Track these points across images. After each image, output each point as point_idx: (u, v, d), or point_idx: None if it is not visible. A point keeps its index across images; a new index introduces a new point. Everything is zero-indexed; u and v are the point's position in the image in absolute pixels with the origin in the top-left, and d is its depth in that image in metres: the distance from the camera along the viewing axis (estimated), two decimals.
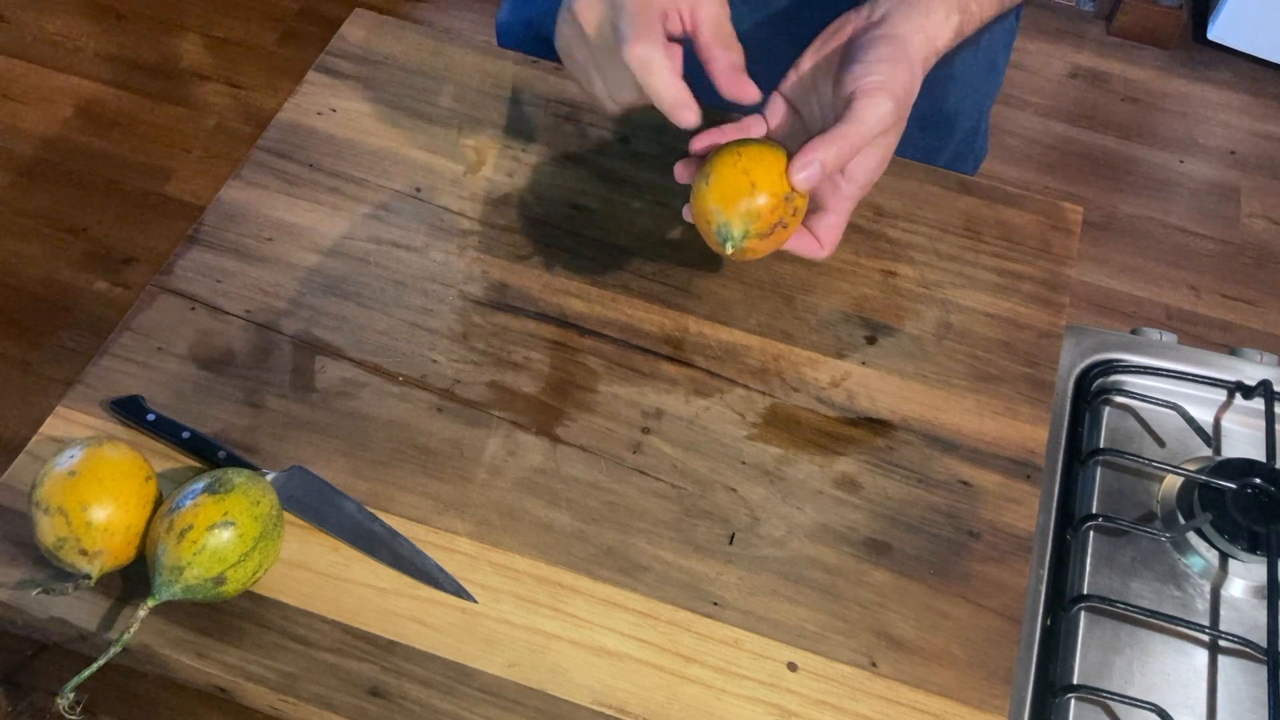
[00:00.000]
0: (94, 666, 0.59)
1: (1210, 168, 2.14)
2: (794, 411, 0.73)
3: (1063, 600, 0.71)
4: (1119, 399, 0.80)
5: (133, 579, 0.64)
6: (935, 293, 0.79)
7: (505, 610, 0.64)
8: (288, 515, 0.66)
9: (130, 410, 0.70)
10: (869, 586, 0.67)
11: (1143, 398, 0.79)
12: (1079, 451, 0.78)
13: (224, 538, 0.60)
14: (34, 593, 0.61)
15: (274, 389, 0.72)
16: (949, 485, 0.70)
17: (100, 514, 0.60)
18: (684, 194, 0.68)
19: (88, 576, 0.60)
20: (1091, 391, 0.80)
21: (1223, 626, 0.71)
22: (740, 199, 0.64)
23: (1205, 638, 0.70)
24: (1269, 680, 0.66)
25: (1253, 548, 0.71)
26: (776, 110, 0.69)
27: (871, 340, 0.77)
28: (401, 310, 0.76)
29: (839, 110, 0.63)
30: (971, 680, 0.63)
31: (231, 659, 0.62)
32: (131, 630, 0.59)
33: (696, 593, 0.66)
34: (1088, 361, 0.81)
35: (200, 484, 0.62)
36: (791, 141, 0.65)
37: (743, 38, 0.67)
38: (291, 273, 0.78)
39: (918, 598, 0.66)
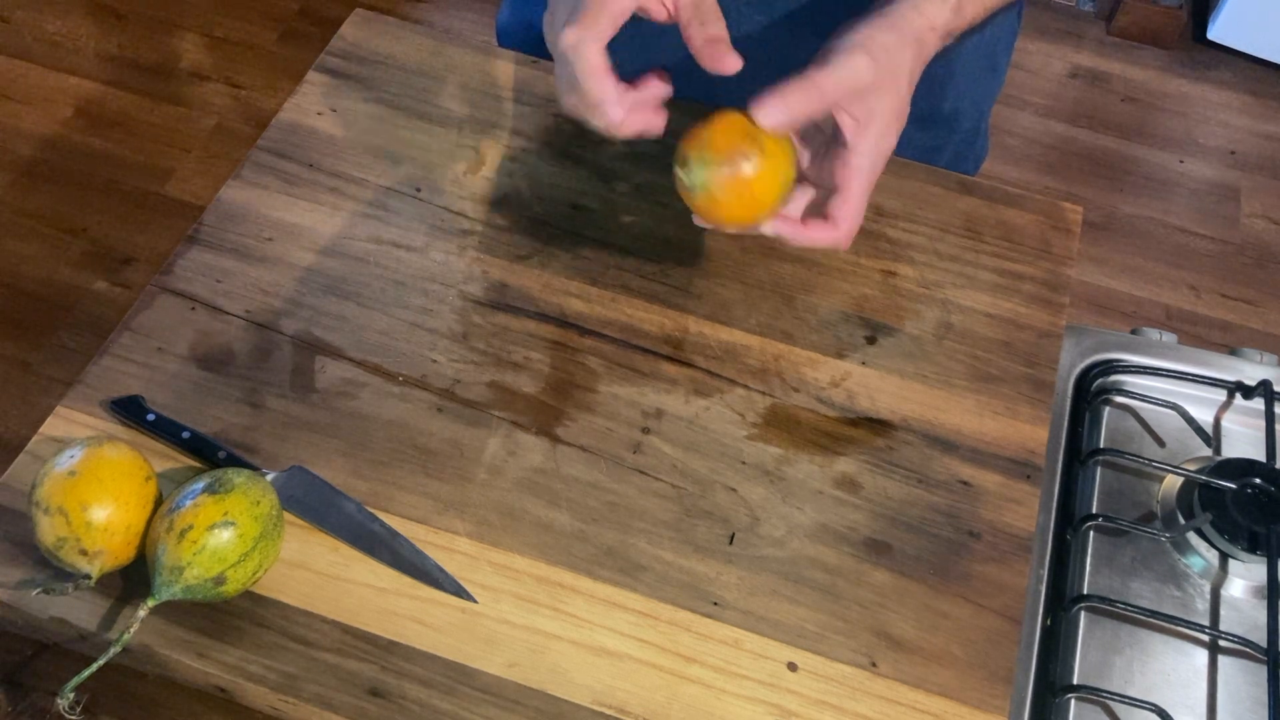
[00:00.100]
0: (94, 666, 0.59)
1: (1210, 168, 2.14)
2: (794, 411, 0.73)
3: (1063, 600, 0.71)
4: (1119, 399, 0.80)
5: (133, 579, 0.64)
6: (935, 293, 0.79)
7: (505, 610, 0.64)
8: (288, 515, 0.66)
9: (130, 410, 0.70)
10: (869, 586, 0.67)
11: (1143, 398, 0.79)
12: (1079, 451, 0.78)
13: (224, 538, 0.60)
14: (34, 593, 0.61)
15: (274, 389, 0.72)
16: (949, 485, 0.70)
17: (100, 514, 0.60)
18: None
19: (88, 576, 0.60)
20: (1091, 391, 0.80)
21: (1223, 626, 0.71)
22: (696, 134, 0.64)
23: (1205, 638, 0.70)
24: (1269, 680, 0.66)
25: (1253, 548, 0.71)
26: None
27: (871, 340, 0.77)
28: (401, 310, 0.76)
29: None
30: (971, 680, 0.63)
31: (231, 659, 0.62)
32: (131, 630, 0.59)
33: (696, 593, 0.66)
34: (1088, 361, 0.81)
35: (200, 484, 0.62)
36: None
37: (748, 38, 0.66)
38: (291, 273, 0.78)
39: (918, 598, 0.66)
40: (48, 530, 0.60)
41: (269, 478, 0.66)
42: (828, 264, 0.80)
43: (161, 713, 0.67)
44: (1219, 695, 0.68)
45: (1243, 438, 0.79)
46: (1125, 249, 2.01)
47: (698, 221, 0.68)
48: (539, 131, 0.86)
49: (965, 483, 0.71)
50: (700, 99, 0.72)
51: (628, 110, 0.63)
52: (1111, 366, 0.80)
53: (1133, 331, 0.84)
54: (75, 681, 0.58)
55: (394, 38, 0.91)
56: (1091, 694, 0.67)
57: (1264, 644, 0.68)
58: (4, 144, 2.03)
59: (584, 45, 0.62)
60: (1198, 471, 0.74)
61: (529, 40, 0.97)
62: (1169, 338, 0.83)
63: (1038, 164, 2.12)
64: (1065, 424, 0.79)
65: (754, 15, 0.86)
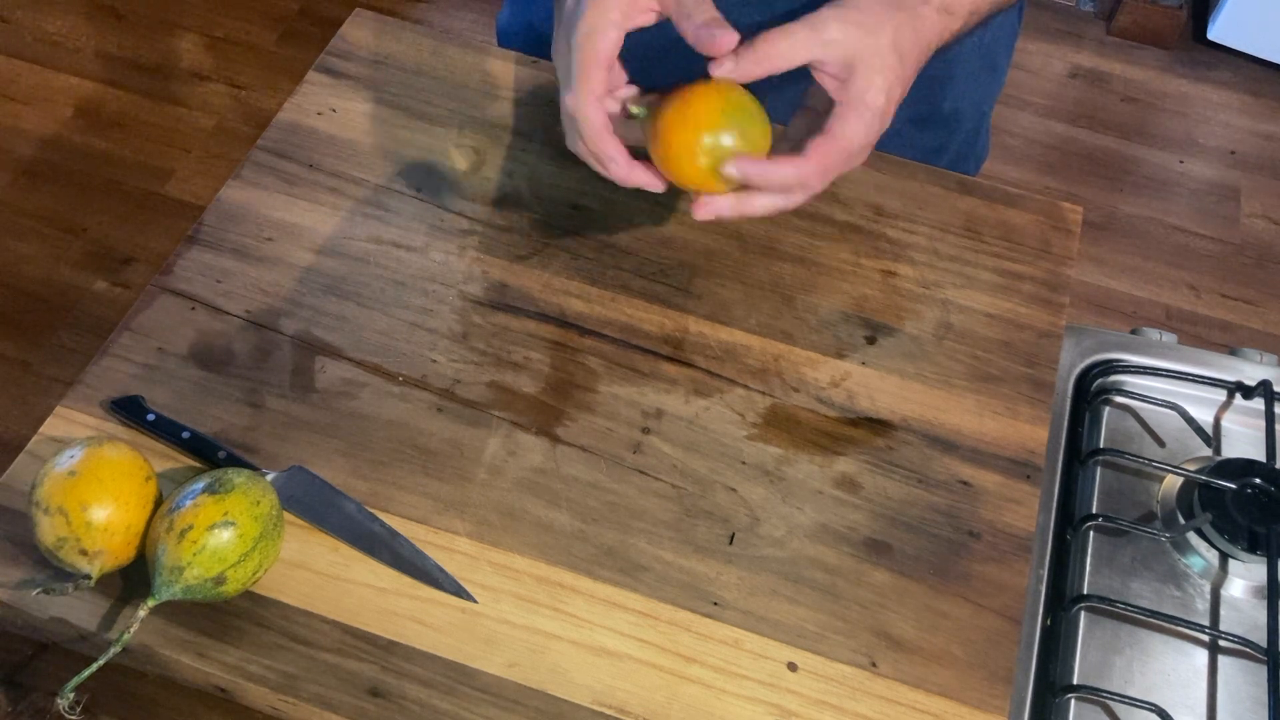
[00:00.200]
0: (94, 666, 0.59)
1: (1210, 168, 2.14)
2: (794, 411, 0.73)
3: (1063, 600, 0.71)
4: (1119, 399, 0.80)
5: (133, 579, 0.64)
6: (935, 293, 0.79)
7: (505, 610, 0.64)
8: (288, 515, 0.66)
9: (130, 410, 0.70)
10: (869, 586, 0.67)
11: (1143, 398, 0.79)
12: (1079, 451, 0.78)
13: (224, 538, 0.60)
14: (34, 593, 0.61)
15: (274, 389, 0.72)
16: (949, 485, 0.70)
17: (100, 514, 0.60)
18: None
19: (88, 576, 0.60)
20: (1091, 391, 0.80)
21: (1223, 626, 0.71)
22: (667, 99, 0.66)
23: (1205, 638, 0.70)
24: (1269, 680, 0.66)
25: (1253, 548, 0.71)
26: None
27: (871, 340, 0.77)
28: (401, 310, 0.76)
29: None
30: (971, 680, 0.63)
31: (231, 659, 0.62)
32: (131, 630, 0.59)
33: (696, 593, 0.66)
34: (1088, 361, 0.81)
35: (200, 484, 0.62)
36: None
37: (745, 33, 0.66)
38: (291, 273, 0.78)
39: (918, 598, 0.66)
40: (48, 530, 0.60)
41: (269, 478, 0.66)
42: (828, 264, 0.80)
43: (161, 713, 0.67)
44: (1219, 695, 0.68)
45: (1243, 438, 0.79)
46: (1125, 249, 2.01)
47: (663, 173, 0.68)
48: (539, 131, 0.86)
49: (965, 483, 0.71)
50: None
51: (629, 168, 0.66)
52: (1111, 366, 0.80)
53: (1133, 331, 0.84)
54: (75, 681, 0.58)
55: (394, 38, 0.91)
56: (1091, 694, 0.67)
57: (1264, 644, 0.68)
58: (4, 144, 2.03)
59: (584, 109, 0.65)
60: (1198, 471, 0.74)
61: (529, 40, 0.97)
62: (1169, 338, 0.83)
63: (1038, 164, 2.12)
64: (1065, 424, 0.79)
65: (752, 15, 0.86)
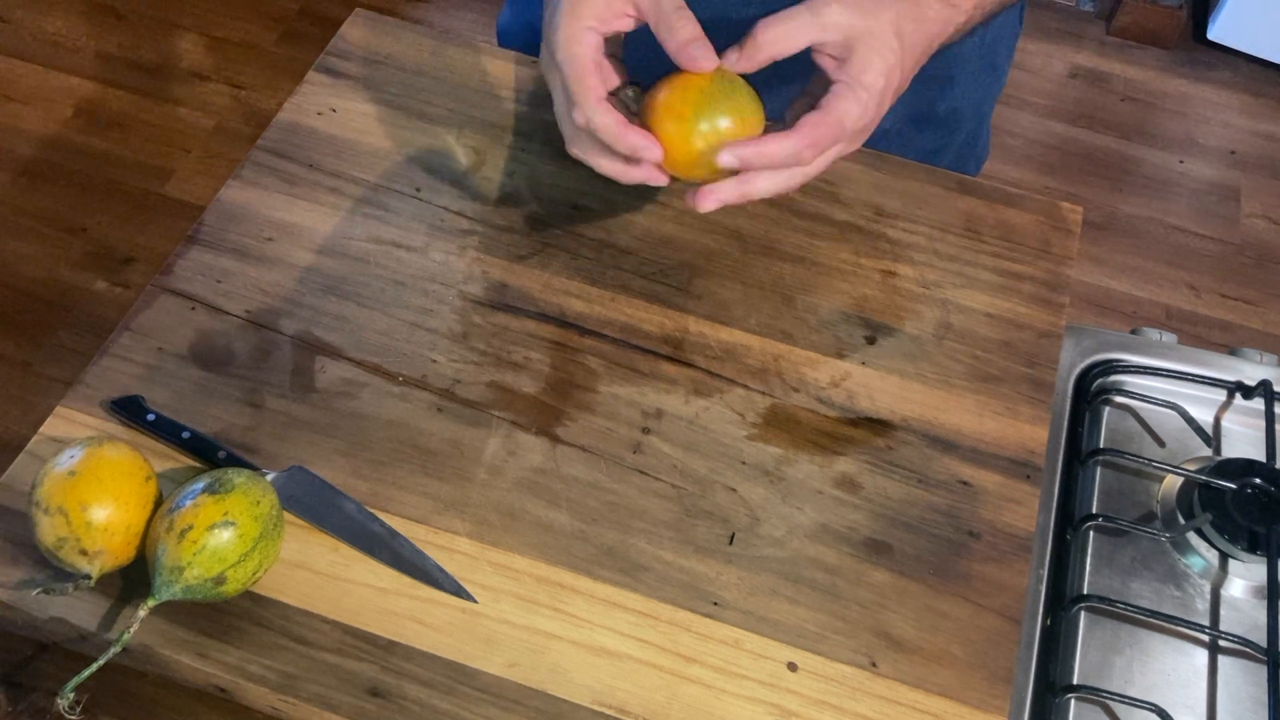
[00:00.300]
0: (94, 666, 0.59)
1: (1210, 168, 2.14)
2: (794, 411, 0.73)
3: (1063, 600, 0.71)
4: (1119, 399, 0.80)
5: (133, 579, 0.64)
6: (935, 293, 0.79)
7: (505, 610, 0.64)
8: (288, 515, 0.66)
9: (130, 410, 0.70)
10: (869, 586, 0.67)
11: (1143, 398, 0.79)
12: (1079, 451, 0.78)
13: (224, 538, 0.60)
14: (34, 593, 0.61)
15: (274, 389, 0.72)
16: (949, 485, 0.70)
17: (100, 514, 0.60)
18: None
19: (88, 576, 0.60)
20: (1091, 391, 0.80)
21: (1223, 626, 0.71)
22: (658, 86, 0.66)
23: (1205, 638, 0.70)
24: (1269, 680, 0.66)
25: (1253, 548, 0.71)
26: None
27: (871, 340, 0.77)
28: (401, 310, 0.76)
29: None
30: (971, 680, 0.63)
31: (231, 659, 0.62)
32: (131, 630, 0.59)
33: (696, 593, 0.66)
34: (1088, 361, 0.81)
35: (200, 484, 0.62)
36: None
37: (740, 24, 0.67)
38: (291, 273, 0.78)
39: (918, 598, 0.66)
40: (48, 530, 0.60)
41: (269, 478, 0.66)
42: (828, 264, 0.80)
43: (161, 713, 0.67)
44: (1219, 695, 0.68)
45: (1243, 438, 0.79)
46: (1125, 249, 2.01)
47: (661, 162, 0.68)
48: (539, 131, 0.86)
49: (965, 483, 0.71)
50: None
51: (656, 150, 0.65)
52: (1111, 366, 0.80)
53: (1133, 331, 0.84)
54: (75, 681, 0.58)
55: (394, 38, 0.91)
56: (1091, 694, 0.67)
57: (1264, 644, 0.68)
58: (4, 144, 2.03)
59: (595, 117, 0.64)
60: (1198, 471, 0.74)
61: (529, 40, 0.97)
62: (1169, 338, 0.83)
63: (1038, 164, 2.12)
64: (1065, 424, 0.79)
65: (753, 11, 0.86)
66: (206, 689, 0.63)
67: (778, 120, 0.68)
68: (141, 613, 0.59)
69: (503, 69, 0.89)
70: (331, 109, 0.86)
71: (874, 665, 0.64)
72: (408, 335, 0.75)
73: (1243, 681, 0.69)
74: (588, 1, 0.65)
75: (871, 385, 0.74)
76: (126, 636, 0.59)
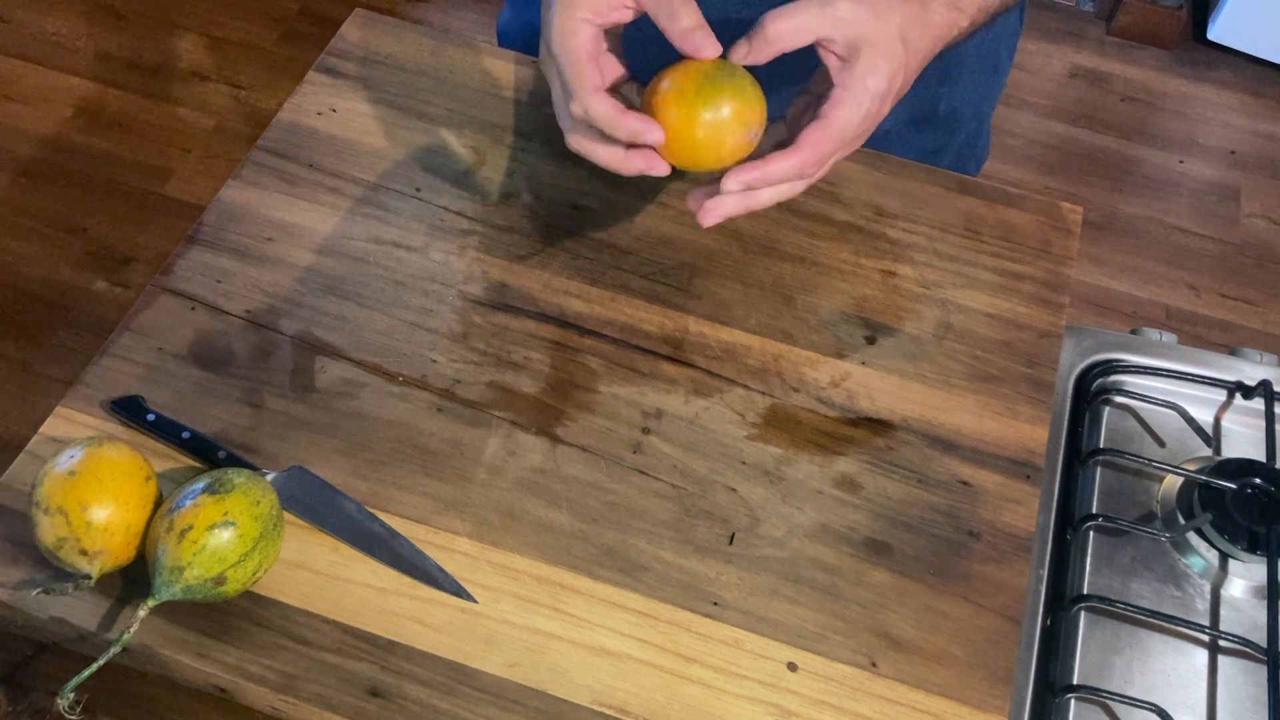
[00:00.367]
0: (94, 666, 0.59)
1: (1210, 168, 2.14)
2: (794, 411, 0.73)
3: (1063, 600, 0.71)
4: (1119, 399, 0.80)
5: (133, 579, 0.64)
6: (935, 293, 0.79)
7: (505, 610, 0.64)
8: (288, 515, 0.66)
9: (130, 410, 0.70)
10: (869, 586, 0.67)
11: (1143, 398, 0.79)
12: (1079, 451, 0.78)
13: (224, 538, 0.60)
14: (34, 593, 0.61)
15: (274, 389, 0.72)
16: (949, 485, 0.70)
17: (100, 514, 0.60)
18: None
19: (88, 576, 0.60)
20: (1091, 391, 0.80)
21: (1223, 626, 0.71)
22: (661, 75, 0.65)
23: (1205, 638, 0.70)
24: (1269, 680, 0.66)
25: (1253, 548, 0.71)
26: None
27: (871, 340, 0.77)
28: (401, 310, 0.76)
29: None
30: (971, 680, 0.63)
31: (231, 659, 0.62)
32: (131, 630, 0.59)
33: (696, 593, 0.66)
34: (1088, 361, 0.81)
35: (200, 484, 0.62)
36: None
37: (738, 23, 0.67)
38: (291, 273, 0.78)
39: (918, 598, 0.66)
40: (48, 530, 0.60)
41: (269, 478, 0.66)
42: (828, 264, 0.80)
43: (161, 713, 0.67)
44: (1219, 695, 0.68)
45: (1243, 438, 0.79)
46: (1125, 249, 2.01)
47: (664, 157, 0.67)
48: (539, 131, 0.86)
49: (965, 483, 0.71)
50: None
51: (658, 134, 0.64)
52: (1111, 366, 0.80)
53: (1133, 331, 0.84)
54: (75, 681, 0.58)
55: (394, 38, 0.91)
56: (1091, 694, 0.67)
57: (1264, 644, 0.68)
58: (4, 144, 2.03)
59: (592, 106, 0.64)
60: (1198, 471, 0.74)
61: (529, 40, 0.97)
62: (1169, 338, 0.83)
63: (1038, 164, 2.12)
64: (1065, 424, 0.79)
65: (752, 12, 0.86)
66: (206, 689, 0.63)
67: (779, 119, 0.68)
68: (141, 613, 0.59)
69: (503, 69, 0.89)
70: (331, 109, 0.86)
71: (874, 665, 0.64)
72: (408, 335, 0.75)
73: (1243, 681, 0.69)
74: None
75: (871, 385, 0.74)
76: (126, 636, 0.59)
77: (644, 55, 0.68)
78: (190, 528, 0.60)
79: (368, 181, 0.82)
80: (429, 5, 2.30)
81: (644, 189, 0.83)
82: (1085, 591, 0.71)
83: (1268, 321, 1.93)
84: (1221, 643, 0.70)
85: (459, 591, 0.65)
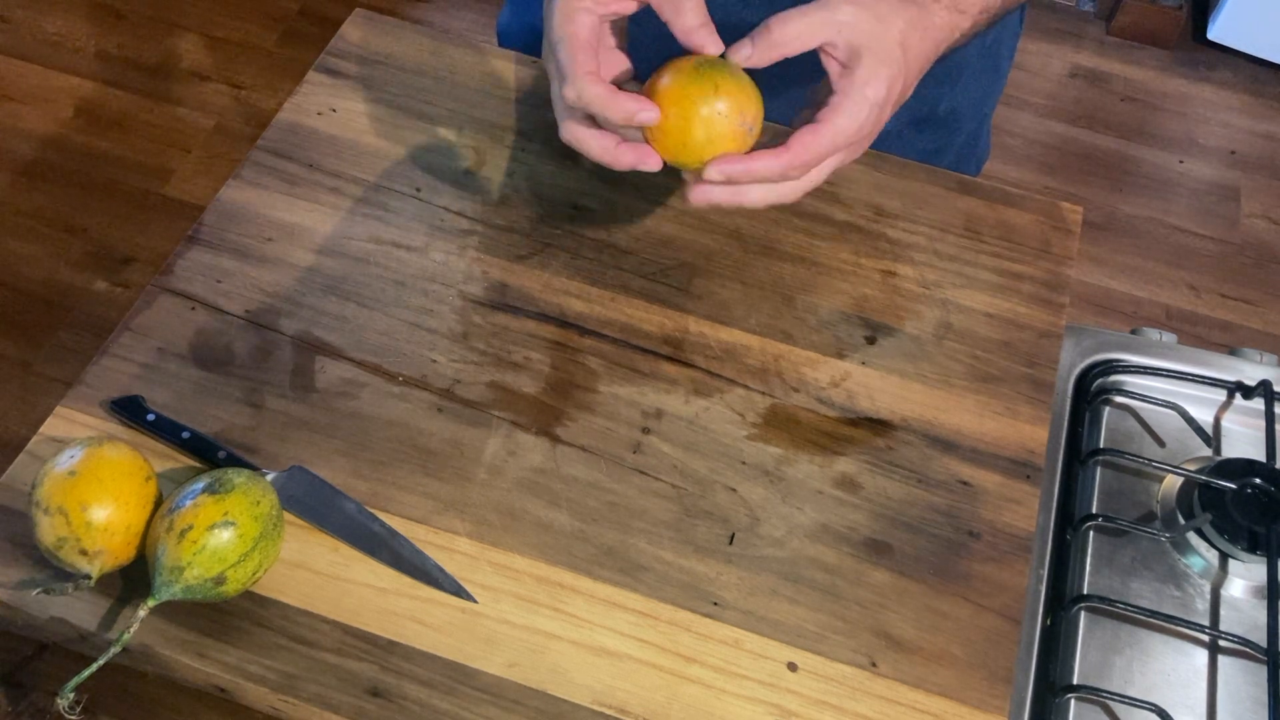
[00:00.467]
0: (94, 666, 0.59)
1: (1210, 168, 2.14)
2: (794, 411, 0.73)
3: (1063, 600, 0.71)
4: (1119, 399, 0.80)
5: (133, 579, 0.64)
6: (935, 293, 0.79)
7: (505, 610, 0.64)
8: (288, 515, 0.66)
9: (130, 410, 0.70)
10: (869, 586, 0.67)
11: (1143, 398, 0.79)
12: (1079, 451, 0.78)
13: (224, 538, 0.60)
14: (34, 593, 0.61)
15: (274, 389, 0.72)
16: (949, 485, 0.70)
17: (100, 514, 0.60)
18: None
19: (88, 576, 0.60)
20: (1091, 391, 0.80)
21: (1223, 626, 0.71)
22: (658, 72, 0.66)
23: (1205, 638, 0.70)
24: (1269, 680, 0.66)
25: (1253, 548, 0.71)
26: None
27: (871, 340, 0.77)
28: (401, 310, 0.76)
29: None
30: (971, 680, 0.63)
31: (231, 659, 0.62)
32: (131, 630, 0.59)
33: (696, 593, 0.66)
34: (1088, 361, 0.81)
35: (200, 484, 0.62)
36: None
37: (738, 26, 0.67)
38: (291, 273, 0.78)
39: (918, 598, 0.66)
40: (48, 530, 0.60)
41: (269, 478, 0.66)
42: (828, 264, 0.80)
43: (161, 713, 0.67)
44: (1219, 695, 0.68)
45: (1243, 438, 0.79)
46: (1125, 249, 2.01)
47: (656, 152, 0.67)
48: (539, 131, 0.86)
49: (965, 483, 0.71)
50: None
51: (650, 112, 0.64)
52: (1111, 366, 0.80)
53: (1133, 331, 0.84)
54: (75, 681, 0.58)
55: (394, 38, 0.91)
56: (1091, 694, 0.67)
57: (1264, 644, 0.68)
58: (4, 144, 2.03)
59: (585, 90, 0.63)
60: (1198, 471, 0.74)
61: (529, 40, 0.97)
62: (1169, 338, 0.83)
63: (1038, 164, 2.12)
64: (1065, 424, 0.79)
65: (754, 14, 0.86)
66: (206, 689, 0.63)
67: (780, 124, 0.68)
68: (141, 613, 0.59)
69: (503, 69, 0.89)
70: (331, 109, 0.86)
71: (874, 665, 0.64)
72: (408, 335, 0.75)
73: (1243, 681, 0.69)
74: None
75: (871, 385, 0.75)
76: (126, 636, 0.59)
77: (645, 53, 0.69)
78: (190, 528, 0.60)
79: (368, 181, 0.82)
80: (429, 5, 2.30)
81: (644, 189, 0.83)
82: (1085, 591, 0.71)
83: (1268, 321, 1.93)
84: (1221, 643, 0.70)
85: (459, 591, 0.65)
